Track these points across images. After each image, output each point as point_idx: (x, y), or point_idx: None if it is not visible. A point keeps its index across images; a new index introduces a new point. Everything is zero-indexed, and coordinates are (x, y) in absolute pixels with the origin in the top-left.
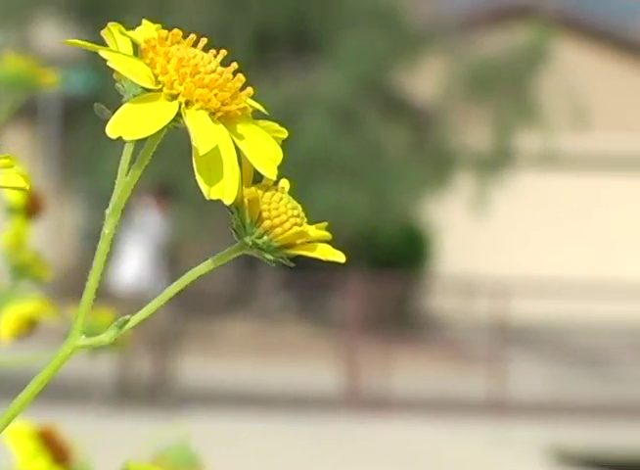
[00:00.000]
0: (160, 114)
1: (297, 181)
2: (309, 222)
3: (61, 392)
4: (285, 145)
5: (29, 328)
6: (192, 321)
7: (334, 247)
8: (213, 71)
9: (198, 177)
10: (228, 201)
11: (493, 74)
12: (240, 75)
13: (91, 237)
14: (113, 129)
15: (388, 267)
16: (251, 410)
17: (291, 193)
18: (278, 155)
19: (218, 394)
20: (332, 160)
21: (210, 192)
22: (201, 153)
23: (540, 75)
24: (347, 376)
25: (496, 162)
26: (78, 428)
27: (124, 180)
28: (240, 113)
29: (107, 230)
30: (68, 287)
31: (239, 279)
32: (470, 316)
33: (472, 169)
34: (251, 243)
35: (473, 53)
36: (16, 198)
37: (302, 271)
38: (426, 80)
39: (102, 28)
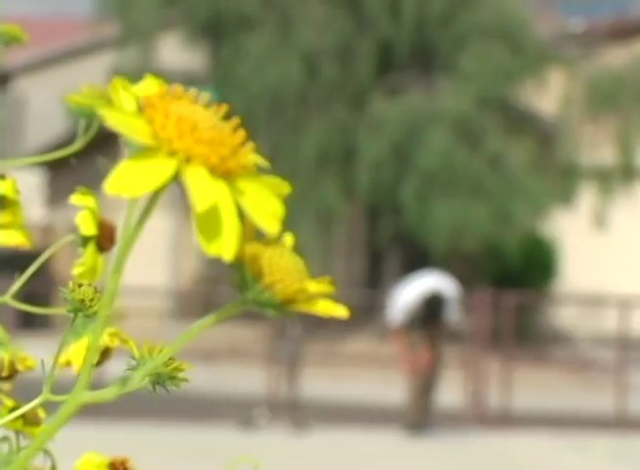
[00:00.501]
0: (159, 171)
1: (421, 195)
2: (430, 236)
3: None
4: (408, 160)
5: (103, 357)
6: (316, 340)
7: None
8: (213, 128)
9: (197, 234)
10: (227, 257)
11: (616, 89)
12: (241, 131)
13: None
14: (111, 186)
15: (510, 282)
16: (377, 425)
17: (413, 207)
18: (279, 210)
19: (344, 409)
20: (455, 174)
21: (210, 249)
22: (199, 210)
23: None
24: (473, 391)
25: (619, 176)
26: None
27: (127, 236)
28: (240, 169)
29: (111, 287)
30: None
31: (362, 297)
32: (593, 331)
33: (595, 184)
34: (252, 298)
35: (595, 67)
36: (89, 228)
37: None
38: (548, 95)
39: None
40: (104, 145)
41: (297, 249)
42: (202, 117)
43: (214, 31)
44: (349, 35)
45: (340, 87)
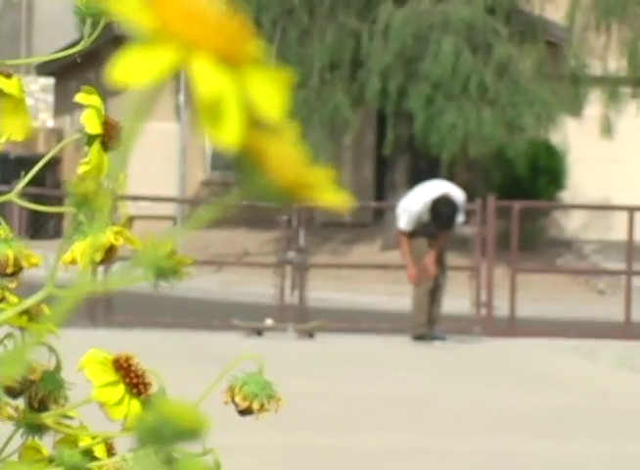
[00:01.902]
0: (163, 58)
1: (429, 103)
2: (438, 143)
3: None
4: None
5: (108, 256)
6: (323, 249)
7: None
8: (218, 16)
9: (201, 121)
10: (231, 143)
11: None
12: (246, 22)
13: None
14: (115, 74)
15: (518, 189)
16: (383, 331)
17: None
18: (284, 98)
19: (350, 316)
20: (463, 81)
21: (214, 135)
22: (203, 96)
23: None
24: (479, 299)
25: (628, 85)
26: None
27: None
28: (245, 57)
29: (114, 179)
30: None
31: (367, 209)
32: (600, 239)
33: (603, 93)
34: (251, 186)
35: None
36: (93, 126)
37: None
38: (557, 2)
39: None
40: (112, 50)
41: (307, 154)
42: (207, 7)
43: None
44: None
45: None
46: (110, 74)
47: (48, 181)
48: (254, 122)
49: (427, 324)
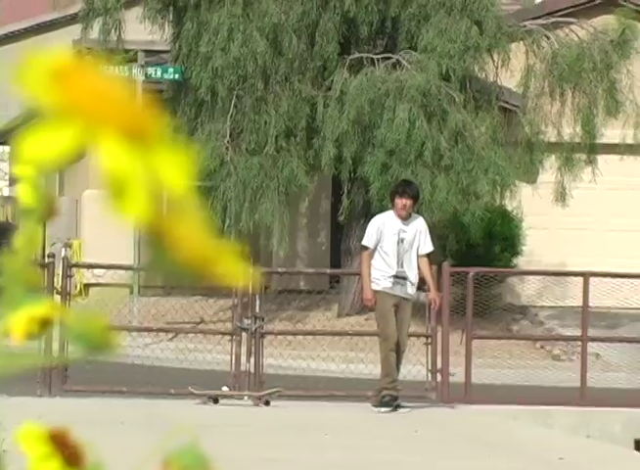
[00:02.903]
0: (68, 137)
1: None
2: None
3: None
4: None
5: (42, 329)
6: (279, 317)
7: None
8: (124, 97)
9: (107, 198)
10: (138, 219)
11: (579, 63)
12: (150, 98)
13: None
14: (23, 153)
15: (473, 256)
16: (340, 398)
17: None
18: (188, 174)
19: (306, 383)
20: (418, 148)
21: (120, 210)
22: (110, 175)
23: (626, 64)
24: (435, 366)
25: (582, 150)
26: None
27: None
28: (151, 134)
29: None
30: None
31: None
32: (556, 305)
33: (558, 159)
34: (156, 261)
35: (558, 41)
36: (29, 200)
37: None
38: (512, 69)
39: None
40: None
41: (263, 223)
42: (113, 85)
43: (178, 6)
44: (313, 10)
45: (304, 62)
46: (19, 150)
47: (3, 249)
48: (159, 197)
49: (395, 388)
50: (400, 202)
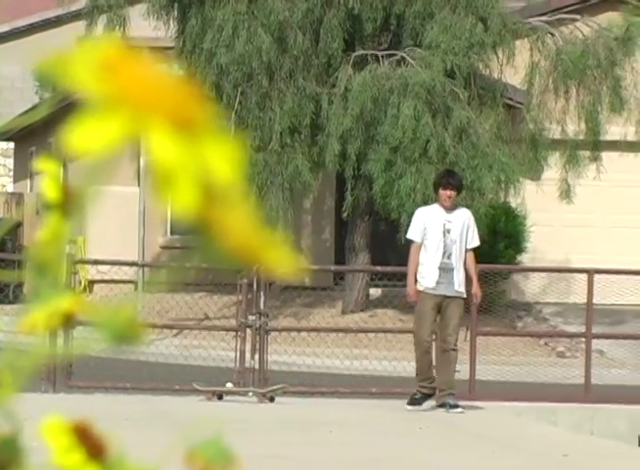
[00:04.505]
0: (117, 126)
1: (389, 166)
2: (398, 207)
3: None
4: (376, 131)
5: (65, 322)
6: (283, 313)
7: None
8: (171, 86)
9: (157, 189)
10: (187, 209)
11: (583, 60)
12: (198, 89)
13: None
14: (72, 143)
15: (479, 253)
16: (344, 395)
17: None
18: (237, 164)
19: (311, 380)
20: (422, 144)
21: (169, 200)
22: (159, 165)
23: (630, 62)
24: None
25: (586, 147)
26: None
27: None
28: (200, 124)
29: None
30: None
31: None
32: (560, 302)
33: (561, 155)
34: (204, 249)
35: (562, 39)
36: (51, 193)
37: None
38: (516, 66)
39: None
40: (71, 116)
41: (267, 220)
42: (161, 74)
43: (183, 2)
44: (318, 7)
45: (309, 59)
46: (66, 141)
47: (8, 245)
48: (208, 187)
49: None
50: (445, 193)
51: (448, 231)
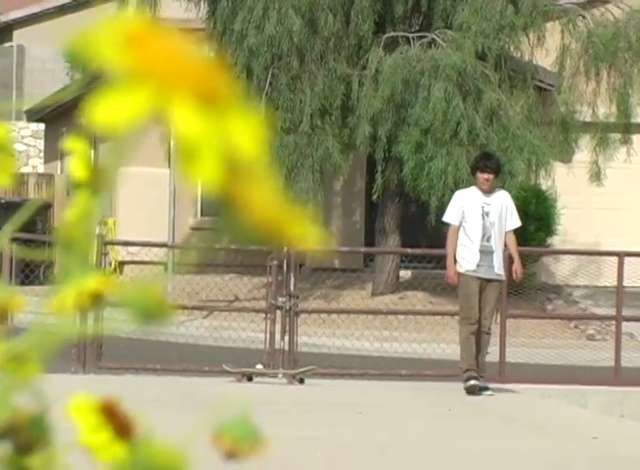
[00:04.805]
0: (142, 100)
1: (419, 148)
2: (428, 189)
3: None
4: (407, 113)
5: (94, 302)
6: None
7: None
8: (196, 61)
9: (181, 163)
10: (211, 184)
11: (615, 42)
12: (222, 64)
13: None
14: (97, 116)
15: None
16: (373, 377)
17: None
18: (261, 139)
19: (340, 362)
20: (453, 127)
21: (193, 175)
22: (183, 139)
23: None
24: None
25: (617, 130)
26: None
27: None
28: (224, 99)
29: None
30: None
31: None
32: (590, 284)
33: (593, 139)
34: (228, 222)
35: (594, 20)
36: (80, 171)
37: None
38: (548, 48)
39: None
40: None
41: (297, 201)
42: (185, 48)
43: None
44: None
45: (339, 41)
46: (90, 116)
47: (39, 226)
48: (232, 162)
49: (473, 366)
50: (482, 176)
51: (487, 214)
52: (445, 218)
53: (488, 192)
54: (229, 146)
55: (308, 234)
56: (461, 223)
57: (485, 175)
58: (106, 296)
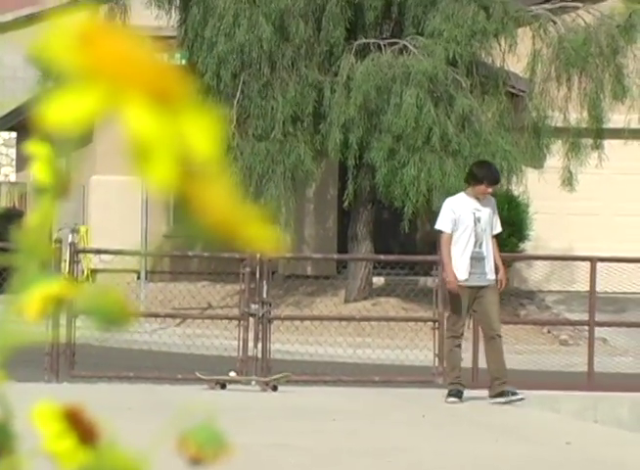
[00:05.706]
0: (94, 98)
1: (391, 155)
2: (401, 195)
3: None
4: (379, 119)
5: (56, 307)
6: (285, 302)
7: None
8: (148, 60)
9: (133, 164)
10: (164, 184)
11: (585, 48)
12: (174, 63)
13: None
14: (47, 117)
15: None
16: (346, 384)
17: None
18: (215, 138)
19: (313, 368)
20: (425, 133)
21: (145, 174)
22: (135, 139)
23: (632, 49)
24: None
25: (588, 135)
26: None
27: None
28: (178, 98)
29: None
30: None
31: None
32: (562, 291)
33: (564, 143)
34: (184, 226)
35: (565, 27)
36: (43, 178)
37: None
38: (518, 54)
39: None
40: None
41: (269, 208)
42: (139, 48)
43: None
44: None
45: (311, 47)
46: (41, 116)
47: (12, 235)
48: (186, 162)
49: (460, 381)
50: (488, 189)
51: (479, 220)
52: (438, 226)
53: (481, 199)
54: (183, 146)
55: (264, 235)
56: (453, 230)
57: (491, 188)
58: (66, 301)
